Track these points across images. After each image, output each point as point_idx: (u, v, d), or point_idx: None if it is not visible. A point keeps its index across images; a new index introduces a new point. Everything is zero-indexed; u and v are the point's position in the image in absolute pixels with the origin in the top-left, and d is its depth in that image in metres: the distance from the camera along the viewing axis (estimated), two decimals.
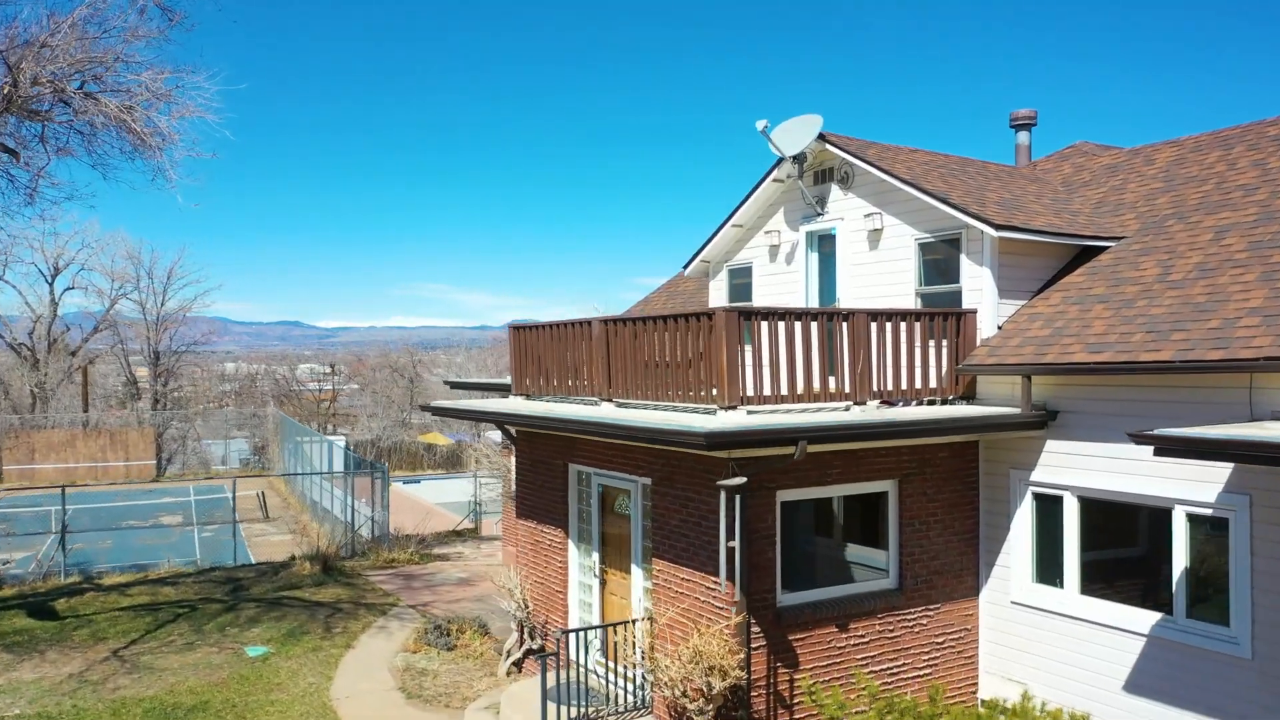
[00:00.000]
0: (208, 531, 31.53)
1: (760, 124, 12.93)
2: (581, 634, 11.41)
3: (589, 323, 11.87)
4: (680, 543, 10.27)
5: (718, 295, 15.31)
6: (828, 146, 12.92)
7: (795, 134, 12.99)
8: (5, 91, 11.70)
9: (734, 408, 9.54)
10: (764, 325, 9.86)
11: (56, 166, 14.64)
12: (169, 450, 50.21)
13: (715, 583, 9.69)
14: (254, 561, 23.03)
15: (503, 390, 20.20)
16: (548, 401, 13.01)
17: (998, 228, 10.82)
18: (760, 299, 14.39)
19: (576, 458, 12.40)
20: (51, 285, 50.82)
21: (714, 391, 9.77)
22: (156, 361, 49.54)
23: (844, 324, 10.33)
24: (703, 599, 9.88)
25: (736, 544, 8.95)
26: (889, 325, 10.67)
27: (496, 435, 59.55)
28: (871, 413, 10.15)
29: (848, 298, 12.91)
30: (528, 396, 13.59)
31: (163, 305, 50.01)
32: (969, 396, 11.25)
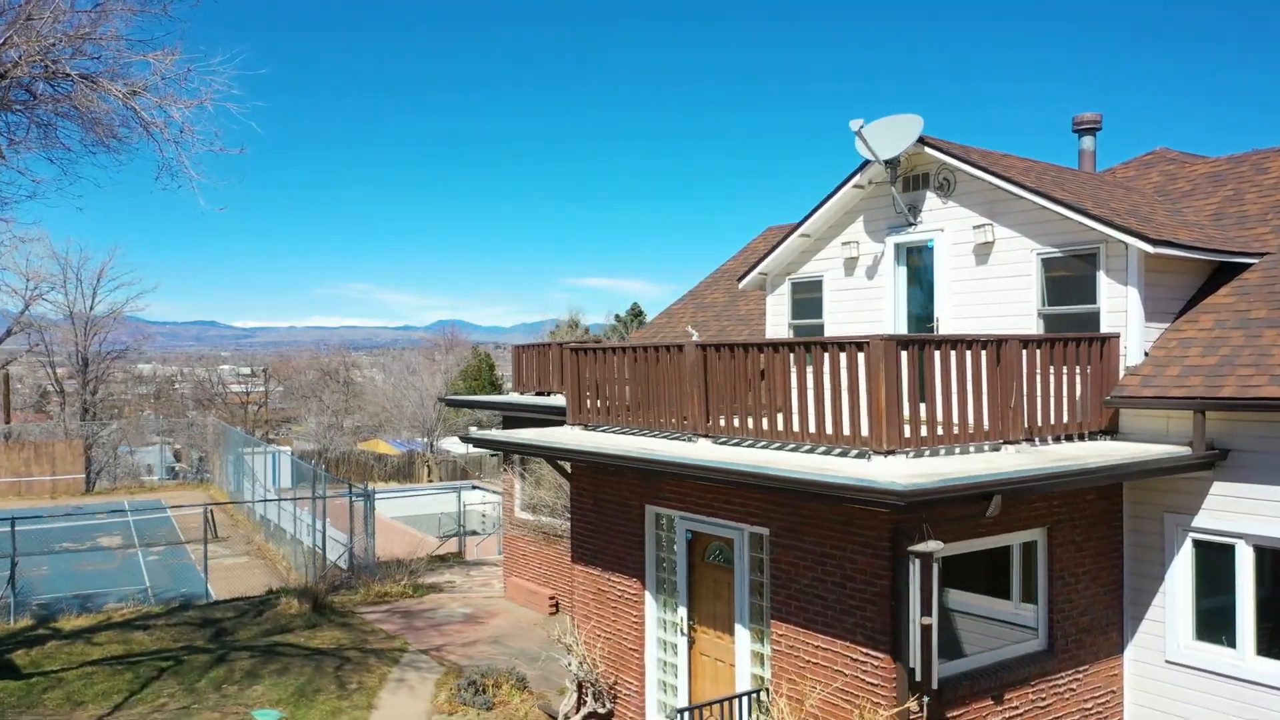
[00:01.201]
0: (153, 555, 29.24)
1: (855, 124, 11.62)
2: (681, 703, 9.96)
3: (680, 347, 10.42)
4: (814, 606, 8.89)
5: (778, 310, 13.97)
6: (926, 150, 11.66)
7: (890, 136, 11.71)
8: None
9: (892, 453, 8.20)
10: (937, 356, 8.53)
11: (28, 161, 12.63)
12: (98, 462, 47.14)
13: (866, 655, 8.35)
14: (216, 597, 20.96)
15: (517, 412, 18.55)
16: (614, 433, 11.52)
17: (1154, 243, 9.67)
18: (833, 316, 13.09)
19: (657, 499, 10.94)
20: None
21: (862, 432, 8.43)
22: (85, 368, 46.37)
23: (998, 351, 9.06)
24: (849, 673, 8.51)
25: (934, 620, 7.59)
26: (1038, 353, 9.44)
27: (455, 446, 57.06)
28: (1045, 455, 8.84)
29: (948, 318, 11.67)
30: (586, 427, 12.07)
31: (92, 308, 46.85)
32: (1111, 431, 10.08)
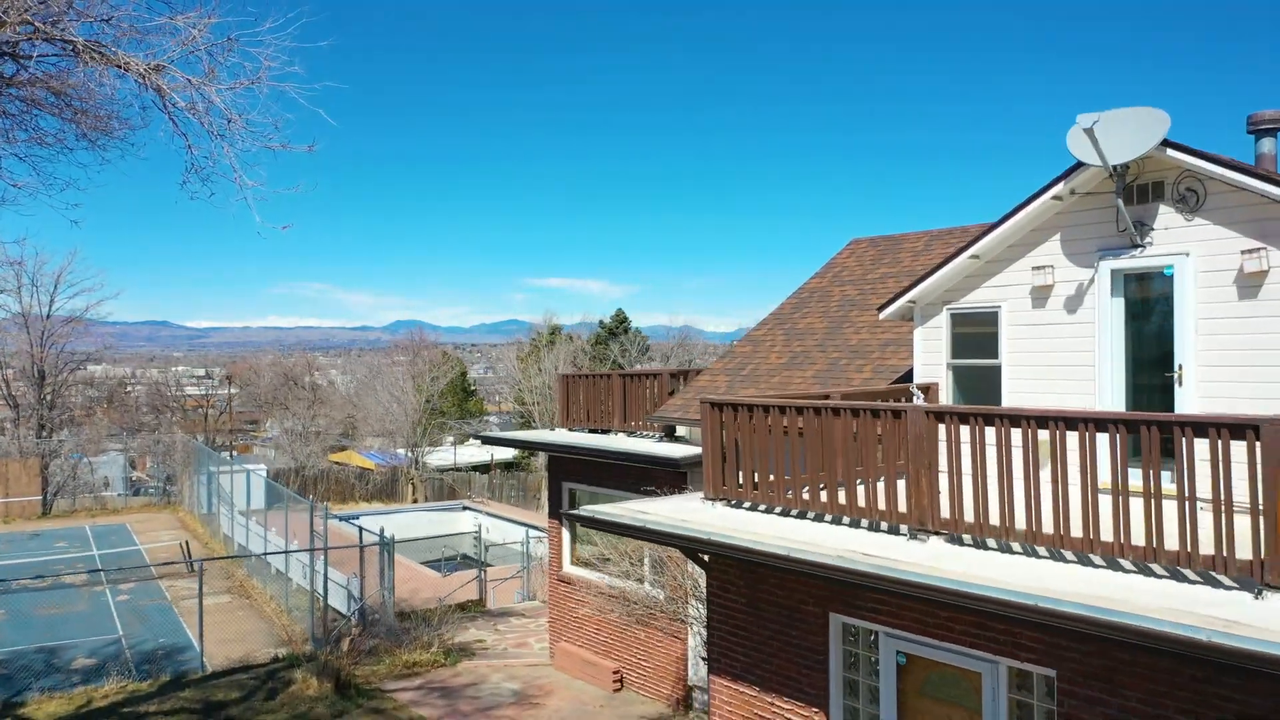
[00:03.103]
0: (123, 593, 26.06)
1: (1086, 119, 9.11)
2: None
3: (897, 412, 7.85)
4: None
5: (931, 347, 11.45)
6: (1168, 153, 9.19)
7: (1122, 135, 9.22)
8: None
9: None
10: None
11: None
12: (55, 480, 43.50)
13: None
14: (208, 658, 18.03)
15: (573, 455, 15.79)
16: (772, 515, 8.94)
17: None
18: (1015, 357, 10.59)
19: (849, 607, 8.37)
20: None
21: (1236, 554, 5.93)
22: (41, 381, 42.76)
23: None
24: None
25: None
26: None
27: (437, 460, 53.86)
28: None
29: (1197, 366, 9.21)
30: (730, 503, 9.47)
31: (48, 316, 43.20)
32: None
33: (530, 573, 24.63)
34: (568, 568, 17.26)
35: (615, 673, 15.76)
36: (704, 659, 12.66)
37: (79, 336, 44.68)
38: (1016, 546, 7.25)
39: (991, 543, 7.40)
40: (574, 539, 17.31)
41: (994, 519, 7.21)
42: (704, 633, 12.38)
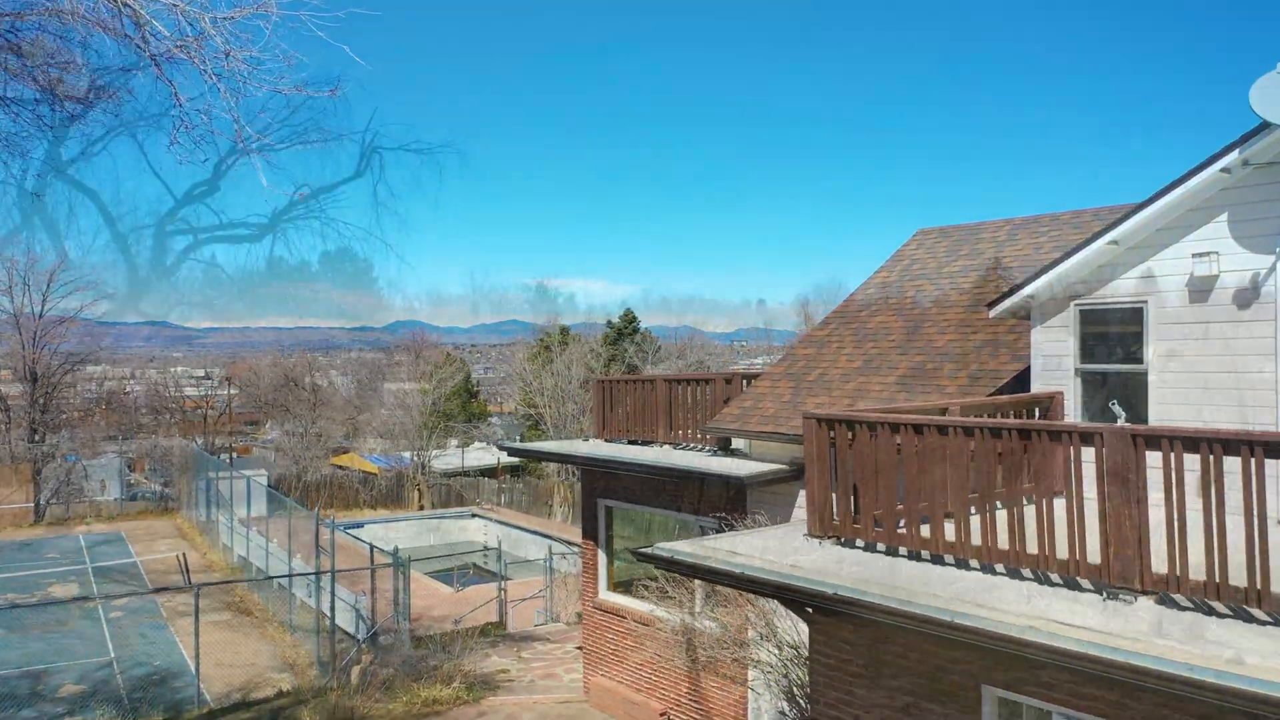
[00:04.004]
0: (117, 610, 24.30)
1: None
2: None
3: (1089, 435, 6.10)
4: None
5: (1055, 349, 9.72)
6: None
7: None
8: None
9: None
10: None
11: None
12: (49, 487, 41.68)
13: None
14: (205, 688, 16.34)
15: (612, 469, 13.98)
16: (885, 554, 7.22)
17: None
18: (1166, 362, 8.86)
19: (1013, 681, 6.62)
20: None
21: None
22: (34, 382, 40.99)
23: None
24: None
25: None
26: None
27: (442, 464, 52.11)
28: None
29: None
30: (840, 541, 7.74)
31: (41, 315, 41.41)
32: None
33: (552, 590, 22.88)
34: (605, 594, 15.51)
35: (662, 714, 14.03)
36: (783, 714, 10.93)
37: (74, 337, 42.88)
38: (1261, 614, 5.52)
39: (1219, 607, 5.67)
40: (611, 561, 15.58)
41: (1236, 579, 5.47)
42: (780, 680, 10.67)
